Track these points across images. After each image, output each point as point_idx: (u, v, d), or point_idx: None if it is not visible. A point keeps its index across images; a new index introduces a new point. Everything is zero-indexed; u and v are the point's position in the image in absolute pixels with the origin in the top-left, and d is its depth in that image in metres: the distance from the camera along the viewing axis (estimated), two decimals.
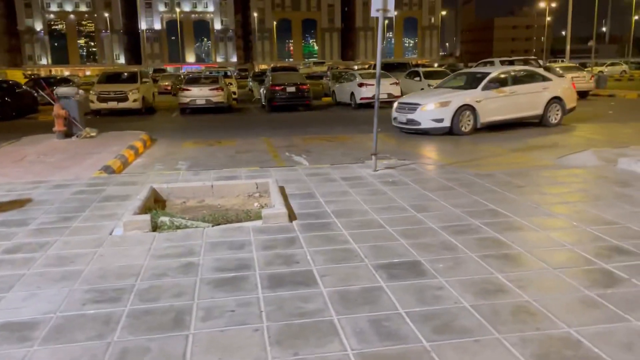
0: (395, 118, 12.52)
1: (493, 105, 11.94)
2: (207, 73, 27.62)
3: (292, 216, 5.34)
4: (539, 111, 12.72)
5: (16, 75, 33.66)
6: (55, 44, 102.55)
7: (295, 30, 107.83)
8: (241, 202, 6.25)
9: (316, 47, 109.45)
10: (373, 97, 20.08)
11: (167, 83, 33.86)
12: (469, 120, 11.72)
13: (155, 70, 68.78)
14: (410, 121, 11.95)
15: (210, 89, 19.47)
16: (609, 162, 7.72)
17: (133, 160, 9.39)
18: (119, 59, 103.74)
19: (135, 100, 19.02)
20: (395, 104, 12.72)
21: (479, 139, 11.13)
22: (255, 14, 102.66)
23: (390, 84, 20.69)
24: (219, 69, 35.52)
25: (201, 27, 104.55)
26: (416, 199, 5.96)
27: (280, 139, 12.26)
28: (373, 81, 20.64)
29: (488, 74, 12.49)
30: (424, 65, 36.78)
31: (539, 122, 12.86)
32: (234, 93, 24.69)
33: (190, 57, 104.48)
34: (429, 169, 7.69)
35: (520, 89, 12.38)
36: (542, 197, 5.93)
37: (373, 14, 7.25)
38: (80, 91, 11.57)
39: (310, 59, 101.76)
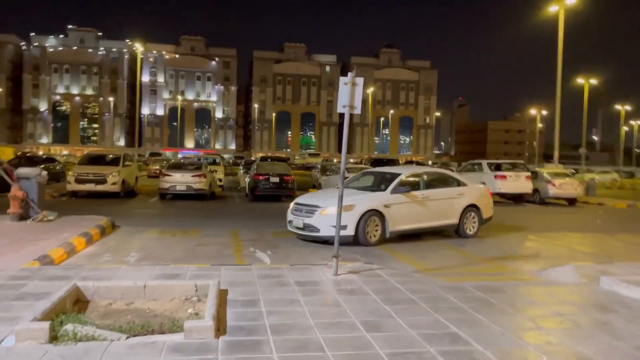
0: (290, 221, 10.52)
1: (404, 211, 10.35)
2: (196, 159, 27.49)
3: (220, 330, 4.62)
4: (454, 220, 11.19)
5: (6, 152, 33.52)
6: (58, 124, 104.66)
7: (294, 122, 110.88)
8: (175, 307, 5.52)
9: (314, 139, 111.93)
10: None
11: (156, 167, 33.75)
12: (377, 228, 9.98)
13: (151, 154, 69.62)
14: (307, 226, 9.96)
15: (193, 176, 19.14)
16: (590, 279, 7.08)
17: (82, 249, 8.71)
18: (119, 141, 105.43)
19: (114, 184, 18.59)
20: (292, 205, 10.75)
21: (456, 243, 10.56)
22: (256, 105, 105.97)
23: None
24: (209, 156, 35.52)
25: (203, 115, 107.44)
26: (371, 314, 5.26)
27: (251, 231, 11.66)
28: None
29: (398, 174, 10.91)
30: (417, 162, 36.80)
31: (455, 233, 11.40)
32: (220, 180, 24.38)
33: (190, 143, 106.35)
34: (396, 276, 7.02)
35: (434, 193, 10.91)
36: (512, 320, 5.23)
37: (339, 109, 6.95)
38: (43, 172, 11.10)
39: (307, 150, 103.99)
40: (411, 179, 11.07)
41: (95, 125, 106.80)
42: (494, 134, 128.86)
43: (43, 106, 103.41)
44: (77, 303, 5.45)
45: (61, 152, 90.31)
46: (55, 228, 9.80)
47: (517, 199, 21.90)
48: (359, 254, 9.18)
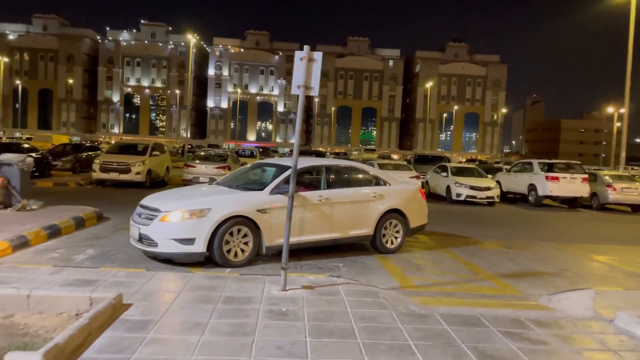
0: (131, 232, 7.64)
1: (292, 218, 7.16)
2: (223, 152, 26.61)
3: None
4: (367, 230, 8.55)
5: (61, 139, 34.68)
6: (128, 115, 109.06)
7: (355, 117, 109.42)
8: (58, 324, 4.61)
9: (374, 135, 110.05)
10: None
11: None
12: (246, 242, 7.30)
13: (209, 146, 70.80)
14: (144, 238, 7.14)
15: (216, 167, 18.51)
16: (610, 311, 5.52)
17: (39, 243, 8.05)
18: (185, 133, 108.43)
19: (138, 173, 18.27)
20: (137, 208, 7.80)
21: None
22: (317, 99, 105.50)
23: (410, 177, 18.89)
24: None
25: (265, 108, 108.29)
26: (280, 350, 4.10)
27: None
28: (391, 172, 19.14)
29: (287, 168, 7.96)
30: (483, 161, 33.64)
31: (372, 246, 8.88)
32: None
33: (251, 136, 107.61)
34: (356, 296, 5.76)
35: (337, 195, 8.24)
36: None
37: (293, 90, 5.77)
38: (28, 159, 10.63)
39: (368, 145, 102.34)
40: (306, 175, 8.53)
41: (162, 117, 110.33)
42: (568, 133, 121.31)
43: (116, 98, 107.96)
44: None
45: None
46: (28, 218, 9.25)
47: (571, 203, 19.65)
48: (346, 262, 7.96)
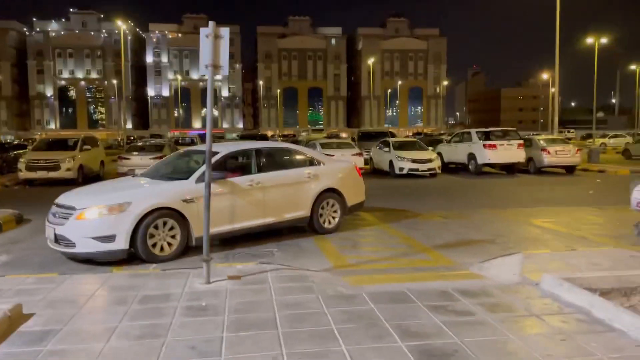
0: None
1: (221, 205, 7.32)
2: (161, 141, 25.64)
3: None
4: (303, 211, 8.33)
5: None
6: (65, 110, 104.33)
7: (301, 97, 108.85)
8: None
9: (322, 115, 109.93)
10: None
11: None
12: (172, 234, 6.94)
13: (152, 136, 68.63)
14: (60, 239, 6.70)
15: (153, 157, 17.81)
16: (538, 274, 5.53)
17: None
18: (126, 123, 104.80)
19: (68, 170, 17.34)
20: (52, 207, 7.20)
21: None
22: (261, 82, 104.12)
23: (353, 155, 18.80)
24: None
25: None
26: (193, 349, 3.83)
27: None
28: (337, 152, 18.97)
29: (215, 153, 7.63)
30: (428, 134, 33.82)
31: (309, 228, 8.62)
32: None
33: (197, 123, 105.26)
34: (285, 282, 5.54)
35: (270, 178, 7.97)
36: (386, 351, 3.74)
37: (201, 70, 5.40)
38: None
39: (316, 126, 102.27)
40: (235, 160, 8.34)
41: (102, 110, 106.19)
42: (508, 101, 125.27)
43: (49, 92, 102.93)
44: None
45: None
46: None
47: (509, 169, 20.14)
48: (282, 246, 7.73)
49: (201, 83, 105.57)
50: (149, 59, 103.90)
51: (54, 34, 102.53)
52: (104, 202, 6.74)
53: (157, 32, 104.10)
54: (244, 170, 8.11)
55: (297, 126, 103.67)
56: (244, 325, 4.28)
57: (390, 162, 19.66)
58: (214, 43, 5.32)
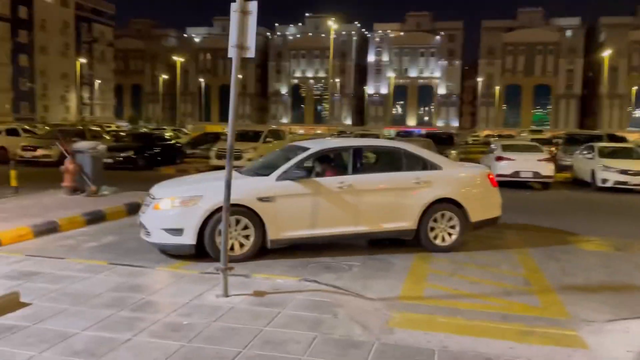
0: None
1: (300, 207, 6.67)
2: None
3: None
4: (407, 222, 7.05)
5: (214, 130, 37.27)
6: (295, 105, 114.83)
7: (525, 96, 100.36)
8: None
9: (548, 115, 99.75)
10: (514, 175, 16.03)
11: None
12: (246, 234, 6.46)
13: (339, 132, 70.29)
14: (142, 227, 6.78)
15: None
16: None
17: (73, 228, 8.13)
18: (345, 120, 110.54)
19: (250, 159, 18.51)
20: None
21: None
22: (481, 79, 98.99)
23: (539, 160, 16.07)
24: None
25: (425, 92, 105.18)
26: None
27: None
28: (519, 155, 16.49)
29: (306, 149, 7.12)
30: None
31: (416, 242, 7.20)
32: None
33: (411, 121, 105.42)
34: (301, 309, 4.55)
35: (364, 181, 6.97)
36: None
37: (230, 53, 4.72)
38: (101, 146, 11.08)
39: (542, 126, 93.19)
40: (327, 158, 7.39)
41: (326, 106, 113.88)
42: None
43: (284, 90, 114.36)
44: None
45: (295, 130, 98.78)
46: (87, 203, 9.55)
47: None
48: (370, 260, 6.66)
49: (420, 80, 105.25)
50: (371, 57, 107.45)
51: (291, 38, 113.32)
52: (176, 194, 6.65)
53: (380, 31, 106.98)
54: (339, 170, 7.25)
55: (520, 126, 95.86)
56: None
57: (592, 172, 16.29)
58: (240, 20, 4.58)
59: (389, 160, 7.72)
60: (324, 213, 6.80)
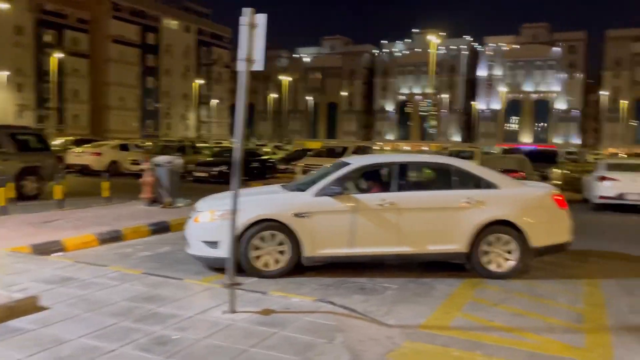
0: None
1: (337, 224, 6.44)
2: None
3: None
4: (456, 245, 6.56)
5: (314, 146, 37.88)
6: (401, 122, 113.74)
7: None
8: None
9: None
10: (619, 197, 14.36)
11: None
12: (281, 250, 6.39)
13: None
14: (185, 238, 6.95)
15: None
16: None
17: (136, 238, 8.61)
18: (453, 136, 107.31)
19: None
20: None
21: None
22: (606, 93, 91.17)
23: None
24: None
25: (543, 107, 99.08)
26: None
27: None
28: (625, 175, 14.76)
29: (347, 164, 7.01)
30: None
31: (469, 266, 6.71)
32: None
33: (526, 137, 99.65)
34: (300, 332, 4.33)
35: (407, 199, 6.59)
36: None
37: (239, 66, 4.67)
38: (178, 160, 11.64)
39: None
40: (369, 174, 7.15)
41: (434, 122, 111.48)
42: None
43: (390, 107, 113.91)
44: None
45: (399, 147, 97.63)
46: (158, 214, 10.10)
47: None
48: (411, 283, 6.27)
49: (534, 95, 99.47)
50: (482, 72, 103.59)
51: (398, 54, 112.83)
52: (215, 207, 6.73)
53: (491, 44, 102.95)
54: (382, 186, 6.95)
55: None
56: None
57: None
58: (249, 33, 4.54)
59: (438, 178, 7.28)
60: (363, 231, 6.53)
